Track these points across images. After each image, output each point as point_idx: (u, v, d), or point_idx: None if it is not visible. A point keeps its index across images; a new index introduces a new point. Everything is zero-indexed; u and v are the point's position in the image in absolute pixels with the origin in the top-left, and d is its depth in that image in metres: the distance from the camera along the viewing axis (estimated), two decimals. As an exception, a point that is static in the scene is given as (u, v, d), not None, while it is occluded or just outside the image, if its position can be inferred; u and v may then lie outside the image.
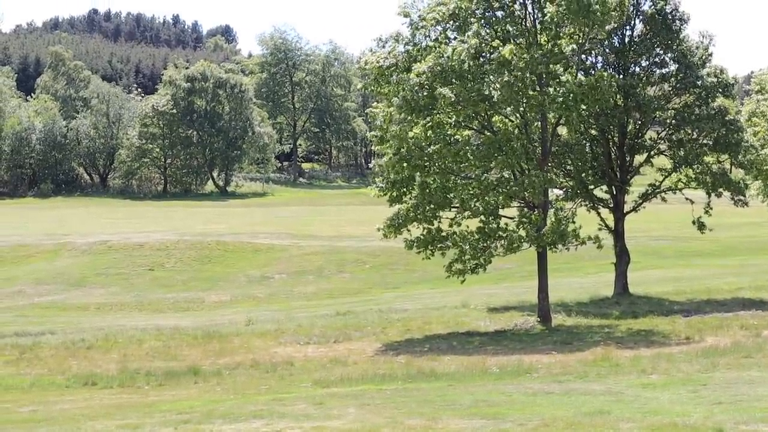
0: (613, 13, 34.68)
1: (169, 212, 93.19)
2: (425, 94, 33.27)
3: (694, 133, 41.94)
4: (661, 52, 42.50)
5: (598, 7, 33.22)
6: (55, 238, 67.70)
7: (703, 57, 42.36)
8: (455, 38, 34.61)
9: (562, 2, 33.12)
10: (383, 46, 35.90)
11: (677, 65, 42.33)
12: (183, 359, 28.18)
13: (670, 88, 42.39)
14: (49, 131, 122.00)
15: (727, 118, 41.44)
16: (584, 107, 35.18)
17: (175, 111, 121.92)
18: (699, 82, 41.62)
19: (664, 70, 42.87)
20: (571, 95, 33.29)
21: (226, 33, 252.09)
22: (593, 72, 37.12)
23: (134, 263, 59.76)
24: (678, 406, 15.51)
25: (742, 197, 42.50)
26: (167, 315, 44.41)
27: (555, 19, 33.71)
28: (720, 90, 42.09)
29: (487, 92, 33.57)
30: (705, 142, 41.79)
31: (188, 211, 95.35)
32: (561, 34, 34.23)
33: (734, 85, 43.58)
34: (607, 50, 41.37)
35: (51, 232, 71.40)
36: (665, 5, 42.07)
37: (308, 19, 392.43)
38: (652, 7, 42.01)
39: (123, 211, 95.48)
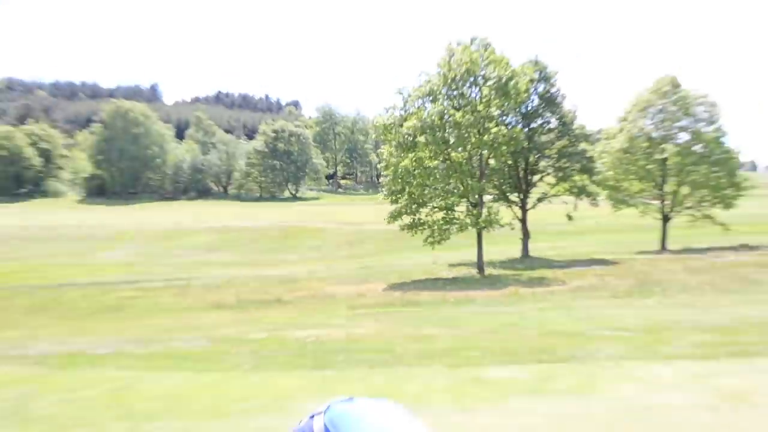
0: (523, 94, 34.87)
1: (263, 209, 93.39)
2: (411, 139, 33.40)
3: (568, 163, 42.23)
4: (549, 115, 42.71)
5: (512, 91, 33.42)
6: (197, 223, 67.99)
7: (573, 118, 42.68)
8: (429, 106, 34.76)
9: (492, 88, 33.30)
10: (387, 112, 36.05)
11: (557, 123, 42.62)
12: (271, 293, 28.28)
13: (554, 137, 42.59)
14: (193, 162, 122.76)
15: (587, 155, 41.75)
16: (504, 148, 35.26)
17: (266, 149, 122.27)
18: (570, 133, 41.99)
19: (549, 126, 43.08)
20: (497, 141, 33.52)
21: (295, 104, 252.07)
22: (510, 127, 37.24)
23: (244, 238, 59.92)
24: (558, 320, 15.61)
25: (594, 200, 43.17)
26: (263, 268, 44.52)
27: (486, 97, 33.84)
28: (582, 138, 42.39)
29: (447, 139, 33.72)
30: (573, 168, 42.07)
31: (274, 208, 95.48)
32: (491, 105, 34.32)
33: (590, 135, 43.86)
34: (519, 114, 41.55)
35: (195, 220, 71.71)
36: (551, 88, 42.27)
37: (346, 93, 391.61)
38: (543, 88, 42.28)
39: (236, 209, 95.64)
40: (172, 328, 18.79)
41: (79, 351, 14.09)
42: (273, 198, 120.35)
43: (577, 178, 42.31)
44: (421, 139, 32.92)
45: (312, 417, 2.15)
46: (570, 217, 43.15)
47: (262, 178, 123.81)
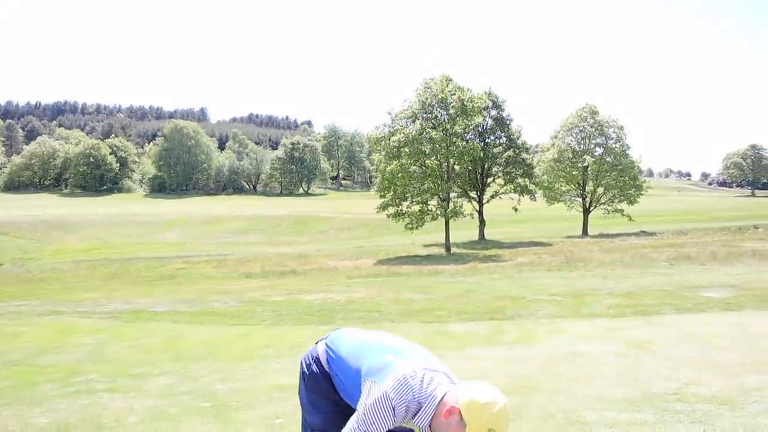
0: (477, 115, 34.76)
1: (283, 202, 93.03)
2: (396, 150, 33.26)
3: (513, 169, 42.19)
4: (500, 133, 42.68)
5: (470, 110, 33.41)
6: (234, 212, 67.66)
7: (518, 135, 42.63)
8: (410, 125, 34.61)
9: (456, 109, 33.24)
10: (378, 129, 35.92)
11: (506, 139, 42.56)
12: (288, 266, 28.12)
13: (503, 149, 42.57)
14: (231, 167, 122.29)
15: (527, 163, 41.71)
16: (466, 157, 35.19)
17: (285, 157, 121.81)
18: (516, 147, 41.93)
19: (500, 141, 43.08)
20: (460, 152, 33.43)
21: (309, 123, 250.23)
22: (469, 142, 37.15)
23: (268, 224, 59.69)
24: (505, 289, 15.55)
25: (533, 197, 43.11)
26: (282, 247, 44.40)
27: (452, 117, 33.75)
28: (524, 150, 42.37)
29: (424, 150, 33.61)
30: (518, 173, 42.03)
31: (291, 201, 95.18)
32: (456, 124, 34.22)
33: (530, 148, 43.85)
34: (478, 131, 41.48)
35: (231, 210, 71.35)
36: (501, 112, 42.26)
37: (347, 112, 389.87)
38: (495, 113, 42.24)
39: (262, 202, 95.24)
40: (212, 292, 18.67)
41: (142, 309, 13.97)
42: (290, 194, 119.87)
43: (520, 180, 42.30)
44: (405, 150, 32.81)
45: (317, 342, 2.23)
46: (515, 209, 43.10)
47: (283, 179, 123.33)
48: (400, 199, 34.09)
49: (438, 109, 34.80)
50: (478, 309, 11.55)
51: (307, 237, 53.04)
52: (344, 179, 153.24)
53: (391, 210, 34.54)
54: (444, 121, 34.51)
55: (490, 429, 1.93)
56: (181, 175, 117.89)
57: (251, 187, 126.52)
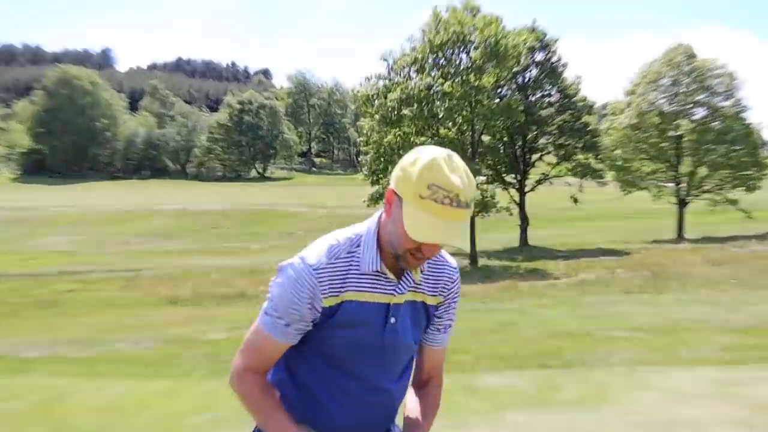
0: (512, 59, 34.78)
1: (226, 189, 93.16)
2: (395, 113, 33.25)
3: (570, 140, 42.35)
4: (549, 87, 42.80)
5: (505, 53, 33.51)
6: (150, 206, 67.59)
7: (575, 90, 42.75)
8: (416, 77, 34.61)
9: (483, 53, 33.25)
10: (368, 81, 35.83)
11: (559, 95, 42.75)
12: (235, 287, 28.03)
13: (554, 110, 42.65)
14: (148, 136, 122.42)
15: (591, 130, 41.87)
16: (500, 122, 35.21)
17: (230, 124, 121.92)
18: (573, 107, 42.09)
19: (549, 98, 43.18)
20: (490, 112, 33.53)
21: (265, 73, 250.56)
22: (503, 99, 37.23)
23: (202, 223, 59.69)
24: (561, 320, 15.48)
25: (601, 182, 43.31)
26: (225, 258, 44.29)
27: (477, 63, 33.75)
28: (586, 111, 42.56)
29: (436, 112, 33.64)
30: (576, 146, 42.18)
31: (239, 188, 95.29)
32: (482, 73, 34.18)
33: (593, 106, 44.01)
34: (515, 86, 41.51)
35: (149, 202, 71.29)
36: (552, 57, 42.36)
37: (321, 61, 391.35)
38: (543, 57, 42.43)
39: (195, 189, 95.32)
40: (116, 327, 18.48)
41: (4, 354, 13.77)
42: (238, 177, 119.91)
43: (581, 156, 42.33)
44: (407, 112, 32.72)
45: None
46: (575, 200, 43.14)
47: (226, 156, 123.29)
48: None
49: (457, 52, 34.71)
50: (520, 351, 11.45)
51: (264, 242, 52.93)
52: (318, 156, 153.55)
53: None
54: (466, 69, 34.37)
55: (431, 184, 2.24)
56: (70, 149, 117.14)
57: (179, 167, 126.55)
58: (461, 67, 34.47)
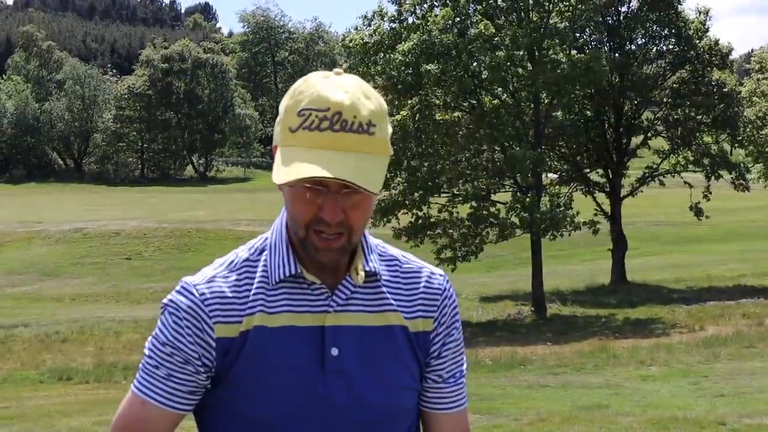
0: None
1: (147, 198, 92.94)
2: (410, 72, 33.27)
3: (692, 112, 41.95)
4: (657, 27, 42.50)
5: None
6: (27, 225, 67.52)
7: (699, 31, 42.36)
8: (439, 14, 34.67)
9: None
10: (368, 24, 35.97)
11: (674, 40, 42.36)
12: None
13: (666, 65, 42.41)
14: (21, 114, 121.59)
15: (724, 90, 41.38)
16: (578, 89, 35.21)
17: (152, 93, 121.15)
18: (694, 56, 41.63)
19: (659, 47, 42.95)
20: (563, 77, 33.32)
21: (206, 11, 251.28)
22: (586, 50, 37.12)
23: (111, 252, 59.61)
24: (679, 399, 15.47)
25: (743, 181, 42.40)
26: (145, 306, 44.22)
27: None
28: (716, 62, 42.11)
29: (477, 70, 33.61)
30: (702, 120, 41.82)
31: (167, 196, 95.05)
32: (552, 9, 34.24)
33: (729, 53, 43.50)
34: (601, 27, 41.37)
35: (23, 219, 71.19)
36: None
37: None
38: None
39: (98, 197, 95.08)
40: (-22, 416, 18.52)
41: None
42: (164, 179, 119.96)
43: (709, 138, 42.16)
44: (431, 67, 32.70)
45: None
46: (699, 212, 42.55)
47: (146, 144, 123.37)
48: (425, 189, 34.04)
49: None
50: (616, 452, 11.50)
51: (205, 281, 53.08)
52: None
53: (404, 218, 34.56)
54: (522, 3, 34.51)
55: (301, 109, 2.33)
56: None
57: (71, 163, 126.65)
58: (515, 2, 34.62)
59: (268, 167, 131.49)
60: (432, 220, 34.47)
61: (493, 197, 35.57)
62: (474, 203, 34.41)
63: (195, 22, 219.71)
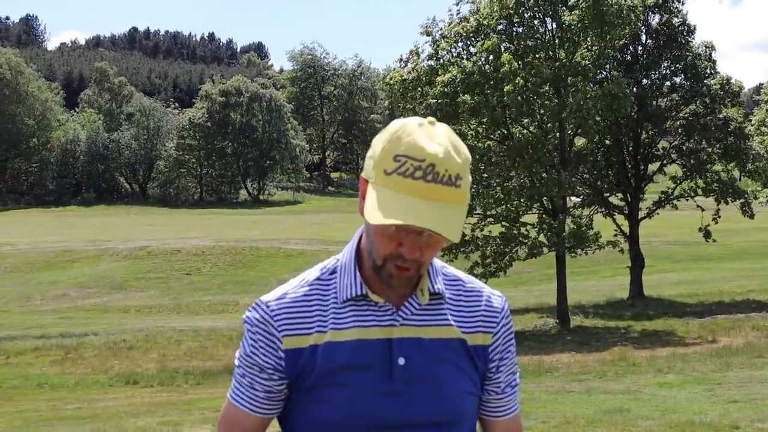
0: (628, 19, 34.47)
1: (205, 219, 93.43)
2: (448, 102, 33.31)
3: (703, 143, 41.90)
4: (672, 64, 42.52)
5: (614, 17, 33.17)
6: (97, 244, 67.93)
7: (708, 67, 42.31)
8: (475, 51, 34.72)
9: (583, 13, 32.99)
10: (405, 65, 36.10)
11: (685, 77, 42.39)
12: (219, 359, 28.13)
13: (679, 98, 42.36)
14: (92, 143, 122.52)
15: (731, 128, 41.29)
16: (599, 117, 35.11)
17: (210, 124, 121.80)
18: (706, 92, 41.60)
19: (672, 81, 42.93)
20: (590, 102, 33.29)
21: (259, 49, 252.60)
22: (607, 83, 36.97)
23: (172, 268, 59.88)
24: (695, 405, 15.37)
25: (748, 208, 42.27)
26: (203, 317, 44.45)
27: (573, 27, 33.59)
28: (728, 99, 42.03)
29: (508, 103, 33.61)
30: (713, 151, 41.74)
31: (223, 218, 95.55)
32: (579, 46, 34.18)
33: (740, 92, 43.34)
34: (620, 66, 41.36)
35: (93, 238, 71.66)
36: (672, 17, 42.10)
37: (334, 35, 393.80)
38: (660, 20, 42.10)
39: (161, 219, 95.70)
40: (51, 417, 18.64)
41: None
42: (221, 202, 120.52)
43: (719, 167, 41.95)
44: (467, 100, 32.66)
45: None
46: (707, 234, 42.08)
47: (204, 170, 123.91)
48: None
49: (540, 14, 34.80)
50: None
51: (258, 294, 52.85)
52: (337, 169, 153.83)
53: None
54: (552, 40, 34.44)
55: (397, 155, 2.36)
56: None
57: (137, 188, 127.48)
58: (545, 39, 34.53)
59: (315, 191, 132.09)
60: (466, 238, 34.45)
61: (524, 216, 35.56)
62: (506, 224, 34.46)
63: (249, 60, 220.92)
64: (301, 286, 2.65)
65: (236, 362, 2.69)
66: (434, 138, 2.39)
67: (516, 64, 32.95)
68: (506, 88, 32.65)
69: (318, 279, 2.66)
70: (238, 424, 2.66)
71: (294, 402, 2.64)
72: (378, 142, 2.45)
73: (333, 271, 2.66)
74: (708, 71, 42.27)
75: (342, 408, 2.53)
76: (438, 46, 35.35)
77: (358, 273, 2.58)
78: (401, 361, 2.54)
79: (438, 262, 2.71)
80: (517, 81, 32.80)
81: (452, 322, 2.62)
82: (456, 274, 2.75)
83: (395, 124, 2.46)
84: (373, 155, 2.46)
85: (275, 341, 2.57)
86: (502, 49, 33.94)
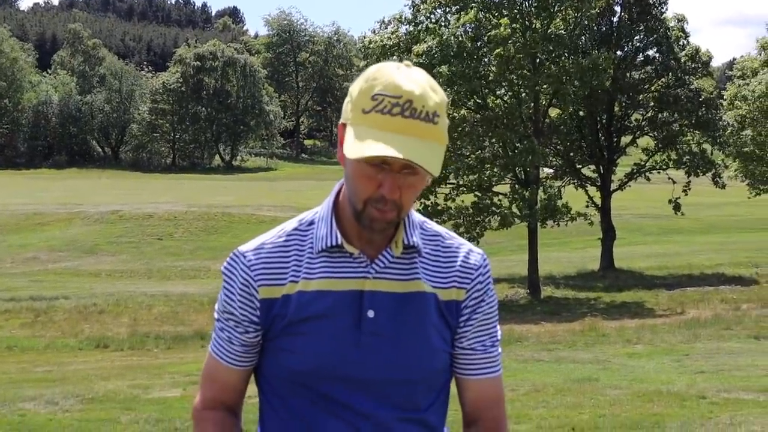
0: None
1: (178, 184, 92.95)
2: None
3: (674, 115, 42.04)
4: (645, 36, 42.59)
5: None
6: (68, 207, 67.60)
7: (682, 39, 42.50)
8: (452, 19, 34.68)
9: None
10: (386, 28, 36.01)
11: (657, 49, 42.49)
12: (190, 324, 28.12)
13: (652, 71, 42.47)
14: (65, 105, 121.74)
15: (701, 98, 41.45)
16: (576, 86, 35.11)
17: (184, 88, 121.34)
18: (678, 65, 41.71)
19: (645, 54, 43.03)
20: (563, 74, 33.34)
21: (234, 14, 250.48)
22: (584, 55, 36.95)
23: (144, 232, 59.71)
24: (662, 375, 15.47)
25: (719, 178, 42.58)
26: (175, 282, 44.35)
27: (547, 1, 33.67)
28: (698, 69, 42.17)
29: (483, 71, 33.61)
30: (684, 123, 41.88)
31: (196, 184, 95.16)
32: (554, 17, 34.16)
33: (709, 61, 43.48)
34: (597, 32, 41.43)
35: (65, 201, 71.28)
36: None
37: (313, 3, 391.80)
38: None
39: (133, 183, 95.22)
40: (21, 380, 18.56)
41: None
42: (194, 167, 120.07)
43: (689, 138, 42.11)
44: (443, 69, 32.66)
45: None
46: (677, 207, 42.34)
47: (177, 135, 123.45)
48: (432, 180, 34.14)
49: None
50: (604, 421, 11.50)
51: (229, 261, 53.03)
52: (311, 137, 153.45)
53: (412, 205, 34.58)
54: (528, 9, 34.42)
55: (375, 94, 2.40)
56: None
57: (109, 151, 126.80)
58: (521, 8, 34.51)
59: (289, 158, 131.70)
60: (438, 207, 34.50)
61: (496, 186, 35.60)
62: (478, 193, 34.49)
63: (224, 24, 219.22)
64: (279, 236, 2.67)
65: (215, 315, 2.74)
66: (411, 77, 2.43)
67: (509, 30, 32.85)
68: (496, 51, 32.61)
69: (296, 229, 2.69)
70: (219, 377, 2.72)
71: (265, 351, 2.67)
72: (356, 86, 2.49)
73: (311, 222, 2.68)
74: (680, 43, 42.43)
75: (308, 357, 2.56)
76: (417, 11, 35.31)
77: (335, 224, 2.61)
78: (370, 313, 2.56)
79: (419, 217, 2.74)
80: (508, 47, 32.72)
81: (424, 277, 2.63)
82: (436, 229, 2.76)
83: (373, 68, 2.50)
84: (351, 98, 2.49)
85: (251, 291, 2.60)
86: (482, 21, 33.85)
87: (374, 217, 2.49)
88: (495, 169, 34.56)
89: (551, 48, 33.91)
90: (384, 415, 2.58)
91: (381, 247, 2.61)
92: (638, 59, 43.17)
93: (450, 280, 2.67)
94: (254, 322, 2.62)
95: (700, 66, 42.36)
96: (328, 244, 2.58)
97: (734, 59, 51.66)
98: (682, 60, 41.81)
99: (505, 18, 33.21)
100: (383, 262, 2.59)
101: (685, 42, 42.67)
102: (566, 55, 34.56)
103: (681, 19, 42.96)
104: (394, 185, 2.44)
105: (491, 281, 2.77)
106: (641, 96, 42.65)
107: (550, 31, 33.89)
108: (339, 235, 2.59)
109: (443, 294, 2.65)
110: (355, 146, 2.40)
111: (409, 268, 2.63)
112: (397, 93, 2.38)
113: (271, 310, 2.59)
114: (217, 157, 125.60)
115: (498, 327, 2.78)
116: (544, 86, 34.34)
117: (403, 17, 35.67)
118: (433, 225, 2.78)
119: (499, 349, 2.77)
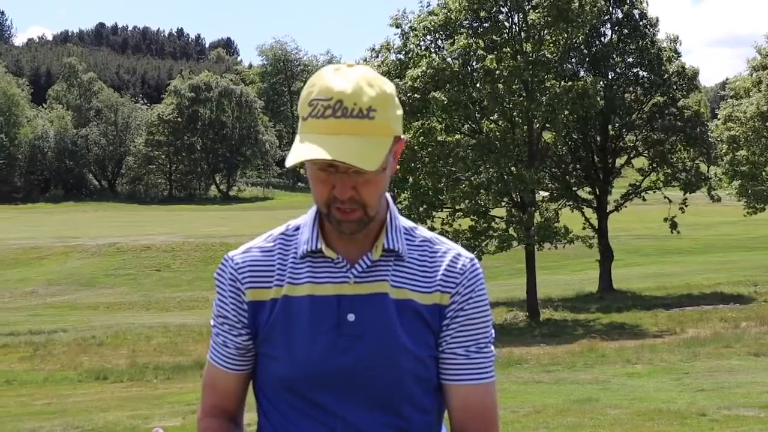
0: (588, 17, 34.59)
1: (175, 215, 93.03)
2: (418, 97, 33.28)
3: (666, 134, 42.08)
4: (637, 57, 42.66)
5: (577, 14, 33.29)
6: (66, 240, 67.59)
7: (674, 59, 42.65)
8: (445, 48, 34.74)
9: (544, 12, 33.18)
10: (376, 56, 36.06)
11: (649, 69, 42.52)
12: (189, 354, 28.05)
13: (643, 91, 42.57)
14: (61, 139, 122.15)
15: (686, 114, 41.44)
16: (567, 111, 35.15)
17: (179, 119, 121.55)
18: (662, 82, 41.76)
19: (635, 73, 43.09)
20: (556, 99, 33.38)
21: (228, 45, 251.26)
22: (577, 79, 37.05)
23: (142, 264, 59.71)
24: (663, 394, 15.44)
25: (714, 194, 42.67)
26: (174, 313, 44.34)
27: (537, 25, 33.73)
28: (684, 86, 42.21)
29: (478, 98, 33.65)
30: (676, 140, 41.96)
31: (193, 214, 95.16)
32: (544, 41, 34.25)
33: (695, 76, 43.44)
34: (589, 55, 41.50)
35: (62, 235, 71.26)
36: (632, 9, 42.26)
37: (306, 31, 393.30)
38: (625, 12, 42.25)
39: (130, 215, 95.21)
40: (20, 413, 18.52)
41: None
42: (191, 198, 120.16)
43: (684, 155, 42.13)
44: (437, 95, 32.65)
45: None
46: (673, 225, 42.38)
47: (174, 166, 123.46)
48: (429, 205, 34.06)
49: (505, 10, 34.85)
50: (605, 440, 11.46)
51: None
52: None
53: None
54: (518, 35, 34.50)
55: (311, 100, 2.44)
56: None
57: (105, 184, 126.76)
58: (512, 33, 34.58)
59: (286, 187, 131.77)
60: (437, 231, 34.48)
61: (493, 210, 35.58)
62: (474, 218, 34.47)
63: (218, 56, 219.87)
64: (266, 240, 2.72)
65: (211, 322, 2.77)
66: (347, 77, 2.45)
67: (494, 64, 32.96)
68: (486, 93, 32.72)
69: (283, 234, 2.73)
70: (219, 383, 2.75)
71: (257, 357, 2.71)
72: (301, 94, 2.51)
73: (297, 228, 2.72)
74: (673, 63, 42.52)
75: (291, 362, 2.58)
76: (407, 39, 35.38)
77: (317, 228, 2.64)
78: (350, 317, 2.57)
79: (408, 223, 2.75)
80: (496, 81, 32.86)
81: (402, 281, 2.62)
82: (426, 235, 2.76)
83: (314, 74, 2.53)
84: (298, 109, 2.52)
85: (240, 293, 2.64)
86: (474, 47, 33.92)
87: (339, 219, 2.52)
88: (490, 195, 34.53)
89: (538, 71, 33.93)
90: (365, 420, 2.58)
91: (365, 251, 2.62)
92: (629, 79, 43.17)
93: (434, 285, 2.65)
94: (245, 325, 2.65)
95: (685, 81, 42.44)
96: (309, 249, 2.61)
97: (727, 79, 51.75)
98: (669, 77, 41.85)
99: (490, 55, 33.20)
100: (362, 266, 2.59)
101: (678, 63, 42.78)
102: (555, 80, 34.49)
103: (674, 40, 43.12)
104: (343, 186, 2.46)
105: (480, 286, 2.73)
106: (634, 116, 42.71)
107: (540, 53, 33.94)
108: (320, 240, 2.61)
109: (424, 298, 2.63)
110: (291, 154, 2.44)
111: (392, 271, 2.63)
112: (328, 95, 2.41)
113: (258, 314, 2.63)
114: (213, 187, 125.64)
115: (487, 335, 2.73)
116: (537, 114, 34.39)
117: (391, 45, 35.74)
118: (423, 231, 2.77)
119: (488, 358, 2.71)
